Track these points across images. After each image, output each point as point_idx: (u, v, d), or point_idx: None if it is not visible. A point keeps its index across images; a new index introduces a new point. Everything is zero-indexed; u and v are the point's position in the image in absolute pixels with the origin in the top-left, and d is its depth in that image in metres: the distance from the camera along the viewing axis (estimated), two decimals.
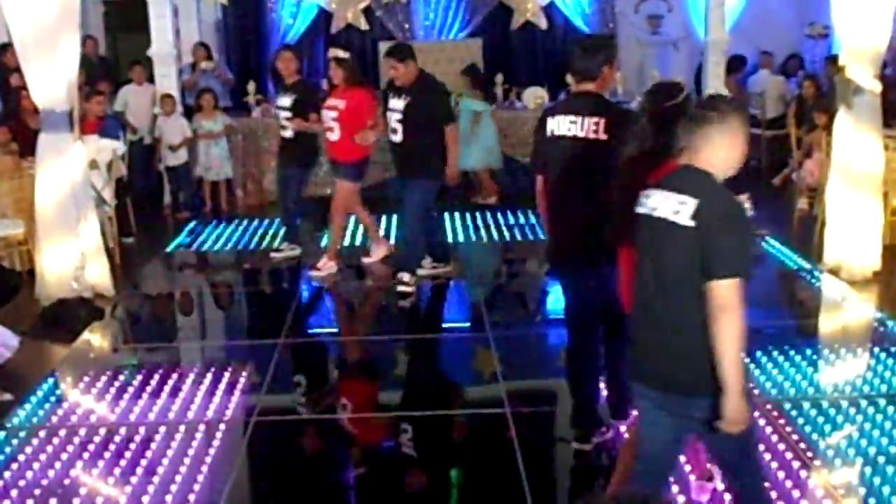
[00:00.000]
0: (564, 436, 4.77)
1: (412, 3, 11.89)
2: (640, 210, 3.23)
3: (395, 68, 6.86)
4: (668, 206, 3.07)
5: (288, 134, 7.91)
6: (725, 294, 2.91)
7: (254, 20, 12.30)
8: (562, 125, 4.48)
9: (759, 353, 5.78)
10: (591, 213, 4.28)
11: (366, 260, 7.91)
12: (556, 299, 6.74)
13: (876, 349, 5.94)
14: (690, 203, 2.99)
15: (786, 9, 12.58)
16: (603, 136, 4.33)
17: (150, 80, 10.67)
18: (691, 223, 2.98)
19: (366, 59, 11.77)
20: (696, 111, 3.20)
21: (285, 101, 7.86)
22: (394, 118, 6.94)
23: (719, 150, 3.06)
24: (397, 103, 6.90)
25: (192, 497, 4.37)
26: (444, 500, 4.45)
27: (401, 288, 7.17)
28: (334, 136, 7.33)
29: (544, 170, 4.66)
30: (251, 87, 10.74)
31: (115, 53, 12.52)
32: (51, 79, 6.88)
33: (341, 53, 7.28)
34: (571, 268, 4.68)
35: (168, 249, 8.74)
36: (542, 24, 11.91)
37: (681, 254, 3.04)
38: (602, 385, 4.87)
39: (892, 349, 5.86)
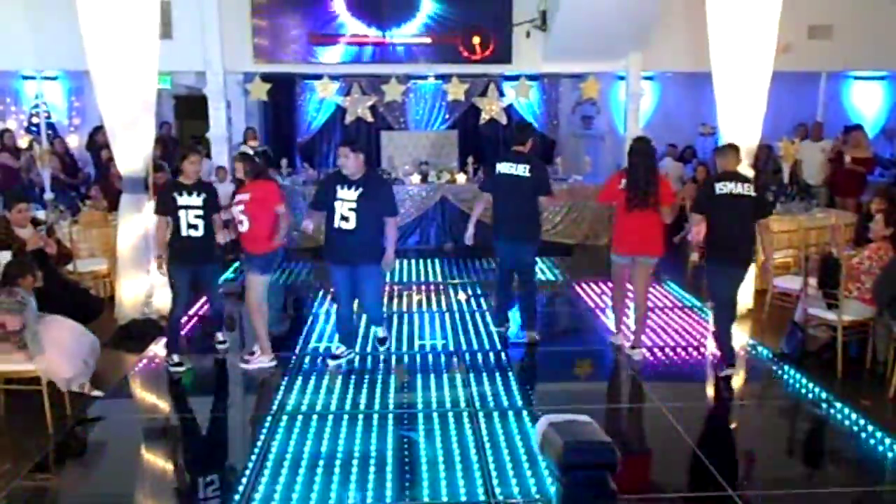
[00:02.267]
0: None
1: (406, 102, 12.01)
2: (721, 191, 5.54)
3: (347, 157, 5.67)
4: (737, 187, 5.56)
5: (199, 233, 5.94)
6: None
7: (287, 112, 12.37)
8: (505, 167, 6.31)
9: (658, 370, 5.81)
10: (524, 213, 6.29)
11: (243, 365, 6.01)
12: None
13: (749, 367, 5.98)
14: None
15: (684, 112, 12.77)
16: (528, 175, 6.22)
17: (208, 155, 10.71)
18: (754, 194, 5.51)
19: (370, 144, 11.88)
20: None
21: (196, 200, 5.94)
22: (346, 207, 5.68)
23: None
24: (348, 193, 5.68)
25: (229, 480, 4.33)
26: None
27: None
28: (243, 228, 5.83)
29: (493, 191, 6.43)
30: (283, 162, 10.80)
31: (181, 134, 12.52)
32: (132, 153, 6.91)
33: (246, 149, 6.35)
34: (516, 243, 6.37)
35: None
36: (503, 120, 12.02)
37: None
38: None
39: (760, 367, 5.90)
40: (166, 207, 5.92)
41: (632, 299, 6.22)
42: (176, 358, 5.94)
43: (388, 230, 5.83)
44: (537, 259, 7.05)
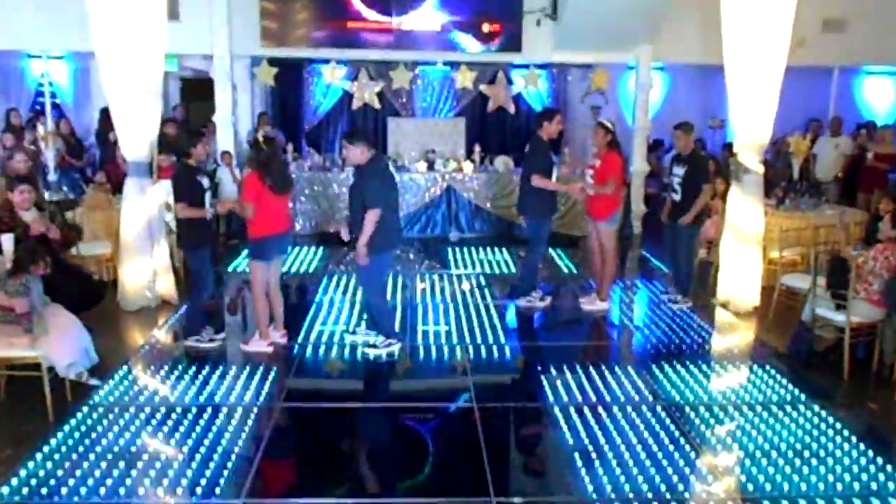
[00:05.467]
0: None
1: (414, 89, 11.90)
2: None
3: (346, 149, 5.73)
4: None
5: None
6: None
7: (294, 97, 12.28)
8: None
9: (663, 367, 5.79)
10: (523, 189, 7.08)
11: (243, 346, 6.10)
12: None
13: (754, 366, 5.94)
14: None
15: (693, 105, 12.66)
16: (525, 154, 7.14)
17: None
18: None
19: (377, 131, 11.81)
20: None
21: (207, 182, 6.15)
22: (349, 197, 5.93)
23: None
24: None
25: (229, 464, 4.32)
26: None
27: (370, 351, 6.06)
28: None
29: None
30: (290, 148, 10.74)
31: (187, 117, 12.44)
32: (137, 136, 6.87)
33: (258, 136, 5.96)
34: (522, 215, 7.34)
35: (221, 268, 8.64)
36: (511, 108, 11.94)
37: None
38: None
39: (767, 366, 5.87)
40: (194, 194, 5.91)
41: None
42: (208, 333, 6.16)
43: (366, 220, 5.62)
44: (540, 236, 7.20)
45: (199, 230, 6.02)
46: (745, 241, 7.14)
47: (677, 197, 7.15)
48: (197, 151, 5.98)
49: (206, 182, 6.04)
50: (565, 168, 8.69)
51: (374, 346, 6.05)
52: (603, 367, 5.76)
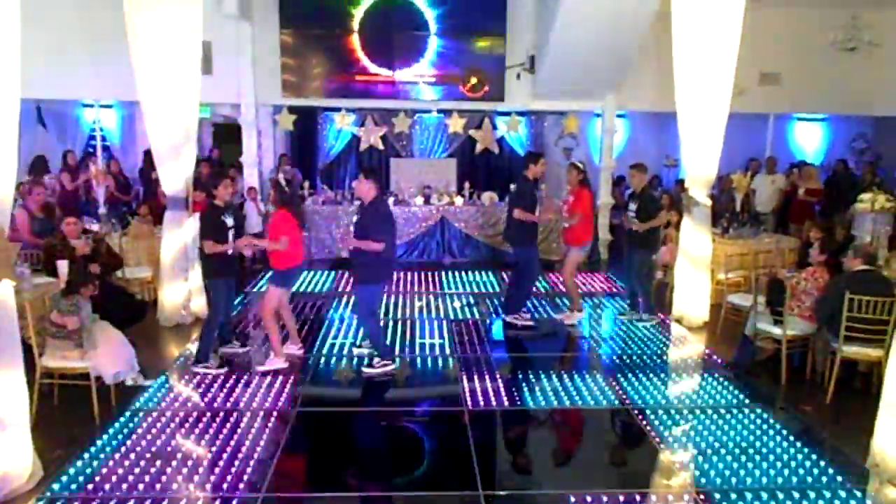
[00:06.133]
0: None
1: (413, 133, 11.94)
2: None
3: (359, 181, 5.58)
4: None
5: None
6: None
7: (310, 140, 12.29)
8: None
9: (627, 375, 5.76)
10: (509, 222, 6.93)
11: (259, 368, 5.81)
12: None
13: (705, 374, 5.92)
14: None
15: (651, 146, 12.72)
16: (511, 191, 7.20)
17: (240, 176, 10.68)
18: None
19: (381, 169, 11.79)
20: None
21: (231, 221, 5.78)
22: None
23: None
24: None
25: (251, 465, 4.27)
26: None
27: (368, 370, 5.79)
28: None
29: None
30: (306, 184, 10.73)
31: (221, 159, 12.43)
32: (175, 175, 6.85)
33: (280, 177, 5.95)
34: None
35: (246, 289, 8.60)
36: (496, 150, 11.97)
37: None
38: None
39: (715, 374, 5.85)
40: (218, 232, 5.60)
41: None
42: (215, 360, 5.85)
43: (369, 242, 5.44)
44: (529, 260, 7.07)
45: (222, 263, 5.69)
46: (696, 265, 7.14)
47: (635, 228, 7.05)
48: (219, 192, 5.67)
49: (230, 221, 5.72)
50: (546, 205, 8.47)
51: (371, 365, 5.79)
52: (575, 375, 5.73)
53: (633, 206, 7.08)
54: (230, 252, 5.72)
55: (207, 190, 5.87)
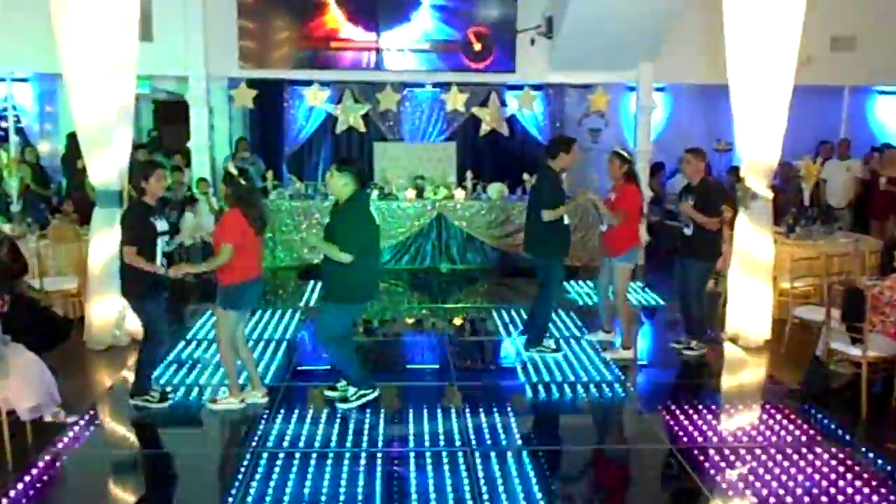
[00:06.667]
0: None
1: (402, 111, 12.00)
2: None
3: (331, 175, 5.47)
4: None
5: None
6: None
7: (274, 121, 12.34)
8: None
9: (671, 407, 5.77)
10: (530, 225, 6.77)
11: (210, 406, 5.73)
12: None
13: (766, 405, 5.93)
14: None
15: (697, 126, 12.77)
16: (533, 186, 7.11)
17: (189, 165, 10.72)
18: None
19: (363, 156, 11.84)
20: None
21: (164, 224, 5.70)
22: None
23: None
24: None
25: None
26: None
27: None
28: None
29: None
30: (269, 175, 10.77)
31: (160, 142, 12.47)
32: (106, 163, 6.86)
33: (232, 168, 5.45)
34: (529, 254, 6.94)
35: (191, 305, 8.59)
36: (505, 132, 12.02)
37: None
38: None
39: (779, 405, 5.86)
40: (143, 237, 5.45)
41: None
42: (156, 393, 5.78)
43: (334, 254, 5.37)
44: (552, 278, 6.79)
45: (147, 277, 5.48)
46: (755, 272, 7.16)
47: (688, 231, 6.86)
48: (150, 186, 5.49)
49: (161, 224, 5.57)
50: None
51: (345, 398, 5.73)
52: (611, 410, 5.73)
53: (687, 202, 6.88)
54: (160, 273, 5.54)
55: (135, 182, 5.69)
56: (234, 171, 5.47)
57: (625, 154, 6.91)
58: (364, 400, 5.72)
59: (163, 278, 5.58)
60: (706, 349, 7.08)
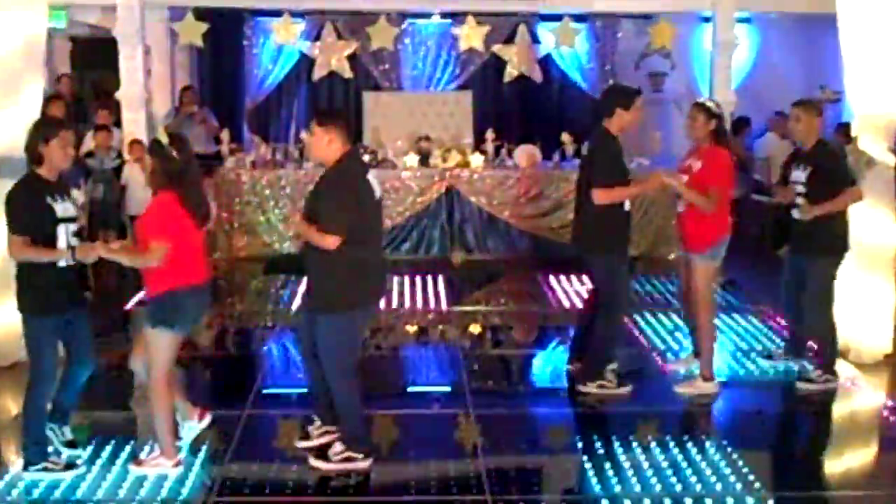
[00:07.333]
0: None
1: (400, 51, 11.99)
2: None
3: (311, 133, 5.33)
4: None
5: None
6: None
7: (231, 64, 12.37)
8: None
9: (757, 443, 5.74)
10: (581, 210, 6.52)
11: (135, 469, 5.40)
12: None
13: (885, 440, 5.89)
14: None
15: (796, 69, 12.74)
16: (584, 157, 6.89)
17: (118, 123, 10.69)
18: None
19: (349, 110, 11.83)
20: None
21: (71, 208, 5.42)
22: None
23: None
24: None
25: None
26: None
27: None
28: None
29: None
30: (225, 135, 10.75)
31: (81, 92, 12.50)
32: (9, 121, 6.85)
33: (162, 136, 5.10)
34: (579, 251, 6.75)
35: (126, 306, 8.60)
36: (537, 77, 12.00)
37: None
38: None
39: None
40: (38, 225, 5.12)
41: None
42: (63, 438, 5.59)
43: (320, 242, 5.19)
44: (613, 281, 6.53)
45: (42, 283, 5.17)
46: (871, 265, 7.13)
47: (799, 214, 6.64)
48: (50, 153, 5.16)
49: (62, 208, 5.23)
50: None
51: (324, 456, 5.46)
52: (682, 447, 5.69)
53: (799, 175, 6.66)
54: (63, 263, 5.22)
55: (30, 149, 5.28)
56: (164, 140, 5.22)
57: (711, 106, 6.59)
58: (349, 466, 5.44)
59: (62, 289, 5.28)
60: (835, 382, 6.71)
